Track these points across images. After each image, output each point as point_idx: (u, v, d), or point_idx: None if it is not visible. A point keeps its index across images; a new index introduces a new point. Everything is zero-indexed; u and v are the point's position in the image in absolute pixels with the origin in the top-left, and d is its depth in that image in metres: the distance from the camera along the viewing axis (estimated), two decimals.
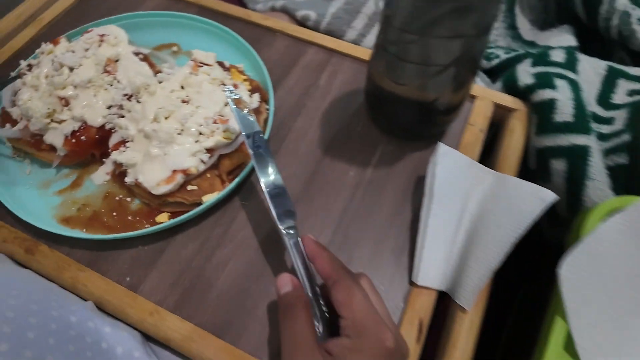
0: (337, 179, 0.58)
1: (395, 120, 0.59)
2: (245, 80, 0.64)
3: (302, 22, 0.89)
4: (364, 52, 0.69)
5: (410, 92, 0.52)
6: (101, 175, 0.58)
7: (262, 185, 0.47)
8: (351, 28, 0.88)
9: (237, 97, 0.53)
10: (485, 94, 0.65)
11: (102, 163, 0.59)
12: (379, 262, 0.52)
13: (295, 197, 0.57)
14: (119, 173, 0.56)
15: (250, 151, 0.49)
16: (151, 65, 0.64)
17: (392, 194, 0.57)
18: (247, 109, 0.53)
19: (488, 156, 0.63)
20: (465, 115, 0.62)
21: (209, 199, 0.53)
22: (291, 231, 0.45)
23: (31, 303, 0.43)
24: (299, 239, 0.44)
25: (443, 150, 0.53)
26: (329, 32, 0.83)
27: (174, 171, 0.53)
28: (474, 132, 0.61)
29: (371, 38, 0.88)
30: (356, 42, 0.83)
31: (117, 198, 0.56)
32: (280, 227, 0.45)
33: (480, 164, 0.55)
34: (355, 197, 0.57)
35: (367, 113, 0.64)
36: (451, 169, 0.52)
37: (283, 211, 0.46)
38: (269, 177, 0.48)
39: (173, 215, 0.55)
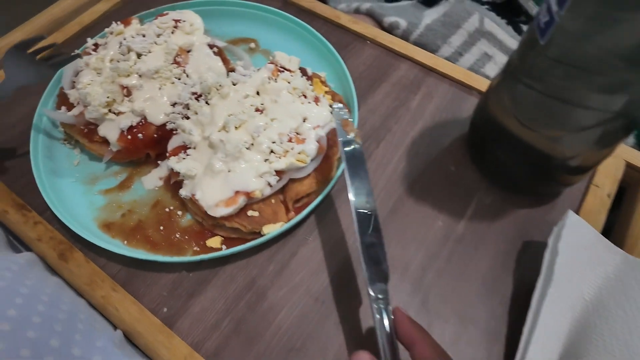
0: (421, 226, 0.48)
1: (506, 169, 0.48)
2: (327, 92, 0.55)
3: (388, 30, 0.80)
4: (467, 75, 0.59)
5: (539, 141, 0.41)
6: (153, 179, 0.51)
7: (357, 234, 0.38)
8: (447, 44, 0.77)
9: (345, 117, 0.44)
10: (617, 150, 0.52)
11: (156, 165, 0.52)
12: (465, 347, 0.42)
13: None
14: (174, 182, 0.48)
15: (352, 198, 0.40)
16: (224, 61, 0.57)
17: (488, 259, 0.46)
18: (354, 133, 0.44)
19: (610, 229, 0.51)
20: (590, 174, 0.51)
21: (270, 230, 0.45)
22: (381, 297, 0.36)
23: (55, 322, 0.36)
24: (389, 308, 0.35)
25: (572, 220, 0.42)
26: (419, 45, 0.73)
27: (237, 192, 0.45)
28: (599, 196, 0.49)
29: (469, 58, 0.77)
30: (450, 59, 0.73)
31: (167, 209, 0.49)
32: (371, 291, 0.36)
33: (607, 241, 0.44)
34: (440, 254, 0.47)
35: (467, 150, 0.53)
36: (577, 245, 0.41)
37: (376, 270, 0.37)
38: (368, 229, 0.39)
39: (226, 240, 0.47)
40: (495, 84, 0.46)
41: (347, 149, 0.43)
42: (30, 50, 0.51)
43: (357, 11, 0.91)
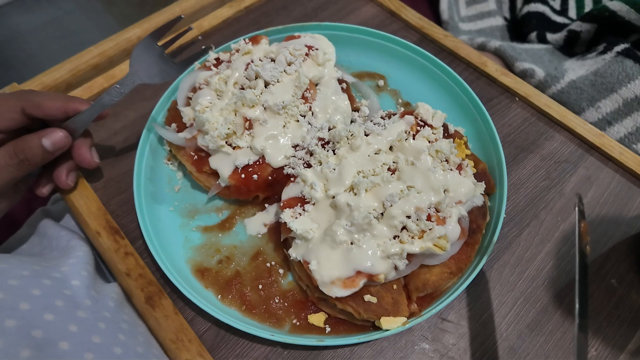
0: (568, 353, 0.39)
1: None
2: (467, 156, 0.46)
3: (520, 77, 0.69)
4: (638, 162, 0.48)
5: None
6: (257, 224, 0.45)
7: None
8: (594, 108, 0.66)
9: (584, 219, 0.35)
10: None
11: (263, 208, 0.46)
12: None
13: (495, 359, 0.39)
14: (284, 239, 0.42)
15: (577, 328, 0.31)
16: (350, 99, 0.50)
17: None
18: (587, 245, 0.34)
19: None
20: None
21: (389, 325, 0.37)
22: None
23: None
24: None
25: None
26: (557, 101, 0.62)
27: (358, 272, 0.37)
28: None
29: (618, 129, 0.65)
30: (595, 126, 0.62)
31: (268, 264, 0.43)
32: None
33: None
34: None
35: (634, 263, 0.43)
36: None
37: None
38: None
39: (330, 319, 0.40)
40: None
41: (580, 260, 0.34)
42: (161, 42, 0.46)
43: (481, 48, 0.82)
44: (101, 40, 0.59)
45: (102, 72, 0.58)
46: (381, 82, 0.55)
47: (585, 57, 0.73)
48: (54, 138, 0.41)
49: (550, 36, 0.80)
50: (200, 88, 0.48)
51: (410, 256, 0.38)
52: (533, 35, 0.81)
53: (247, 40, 0.51)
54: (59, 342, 0.29)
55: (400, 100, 0.54)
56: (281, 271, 0.43)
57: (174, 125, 0.48)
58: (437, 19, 0.84)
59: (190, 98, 0.49)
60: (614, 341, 0.39)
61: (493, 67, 0.56)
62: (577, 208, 0.34)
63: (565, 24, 0.80)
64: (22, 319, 0.29)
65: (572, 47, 0.79)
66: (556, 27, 0.81)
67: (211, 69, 0.50)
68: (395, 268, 0.38)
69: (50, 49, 1.80)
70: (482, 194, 0.44)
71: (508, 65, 0.76)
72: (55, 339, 0.29)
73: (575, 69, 0.70)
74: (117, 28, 0.61)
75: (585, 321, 0.31)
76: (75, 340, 0.30)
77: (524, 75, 0.73)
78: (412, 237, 0.38)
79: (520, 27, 0.85)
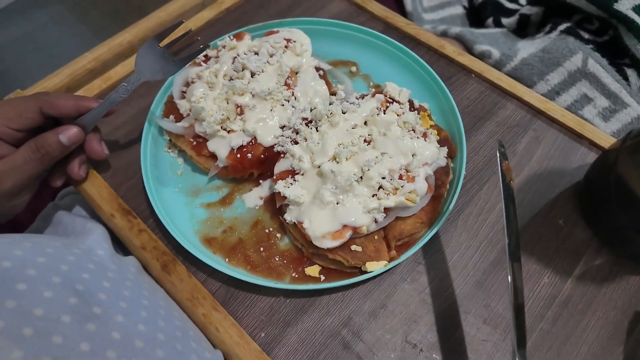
0: (526, 282, 0.46)
1: (625, 233, 0.45)
2: (431, 126, 0.54)
3: (478, 57, 0.77)
4: (580, 123, 0.56)
5: None
6: (254, 198, 0.51)
7: (511, 290, 0.37)
8: (544, 81, 0.74)
9: (506, 160, 0.43)
10: None
11: (258, 184, 0.52)
12: None
13: (465, 292, 0.46)
14: (279, 206, 0.48)
15: (509, 249, 0.39)
16: (327, 84, 0.57)
17: (597, 328, 0.44)
18: (512, 180, 0.42)
19: None
20: None
21: (374, 268, 0.44)
22: None
23: (177, 342, 0.37)
24: None
25: None
26: (512, 78, 0.70)
27: (344, 226, 0.44)
28: None
29: (566, 98, 0.73)
30: (545, 97, 0.70)
31: (266, 230, 0.49)
32: (518, 358, 0.35)
33: None
34: (547, 315, 0.45)
35: (577, 205, 0.51)
36: None
37: (520, 335, 0.35)
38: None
39: (324, 270, 0.47)
40: (632, 143, 0.43)
41: (505, 194, 0.41)
42: (163, 44, 0.52)
43: (444, 34, 0.89)
44: (81, 50, 0.64)
45: (97, 75, 0.63)
46: (354, 69, 0.62)
47: (535, 37, 0.81)
48: (69, 134, 0.46)
49: (504, 20, 0.88)
50: (193, 82, 0.54)
51: (387, 210, 0.45)
52: (490, 20, 0.89)
53: (231, 37, 0.57)
54: (97, 294, 0.35)
55: (371, 83, 0.61)
56: (278, 235, 0.49)
57: (171, 116, 0.54)
58: (402, 10, 0.91)
59: (184, 91, 0.54)
60: (562, 269, 0.47)
61: (450, 49, 0.63)
62: (498, 152, 0.42)
63: (517, 9, 0.89)
64: (64, 277, 0.34)
65: (525, 29, 0.88)
66: (509, 12, 0.90)
67: (201, 65, 0.56)
68: (375, 221, 0.45)
69: (26, 64, 1.80)
70: (446, 157, 0.51)
71: (468, 48, 0.84)
72: (94, 290, 0.35)
73: (527, 48, 0.78)
74: (92, 39, 0.66)
75: (517, 249, 0.38)
76: (110, 293, 0.36)
77: (482, 56, 0.80)
78: (387, 194, 0.45)
79: (478, 14, 0.93)
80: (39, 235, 0.42)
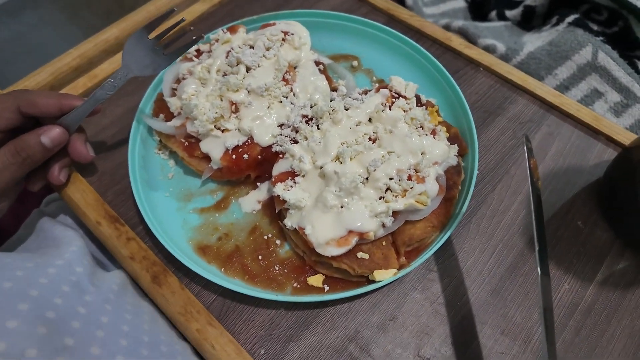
0: None
1: None
2: (440, 123, 0.50)
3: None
4: (596, 119, 0.53)
5: None
6: (251, 202, 0.48)
7: (541, 297, 0.34)
8: (552, 75, 0.71)
9: (534, 158, 0.39)
10: None
11: (255, 187, 0.49)
12: None
13: (481, 301, 0.42)
14: (278, 211, 0.45)
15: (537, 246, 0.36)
16: (327, 80, 0.53)
17: (624, 338, 0.41)
18: (539, 180, 0.38)
19: None
20: None
21: (382, 277, 0.41)
22: None
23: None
24: None
25: None
26: None
27: (350, 232, 0.41)
28: None
29: (575, 93, 0.70)
30: None
31: (265, 237, 0.46)
32: None
33: None
34: (569, 325, 0.41)
35: (597, 205, 0.47)
36: None
37: (550, 343, 0.32)
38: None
39: (328, 279, 0.43)
40: None
41: (534, 194, 0.38)
42: (153, 35, 0.48)
43: (446, 28, 0.86)
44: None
45: (83, 73, 0.59)
46: (355, 63, 0.59)
47: (541, 30, 0.78)
48: (51, 135, 0.43)
49: (508, 13, 0.85)
50: (184, 78, 0.50)
51: (395, 213, 0.42)
52: (493, 13, 0.86)
53: (225, 30, 0.53)
54: (71, 322, 0.31)
55: (374, 78, 0.58)
56: (278, 242, 0.46)
57: (161, 115, 0.50)
58: (402, 4, 0.88)
59: (175, 89, 0.51)
60: (583, 275, 0.44)
61: (457, 41, 0.60)
62: (525, 147, 0.39)
63: (521, 0, 0.86)
64: (34, 303, 0.31)
65: (529, 21, 0.85)
66: (513, 4, 0.86)
67: (193, 60, 0.52)
68: (383, 225, 0.42)
69: (17, 66, 1.76)
70: (456, 155, 0.48)
71: (471, 42, 0.80)
72: (67, 318, 0.31)
73: (533, 41, 0.75)
74: (84, 39, 0.62)
75: (546, 264, 0.35)
76: (86, 320, 0.32)
77: (487, 50, 0.77)
78: (396, 196, 0.42)
79: (481, 6, 0.89)
80: (10, 254, 0.38)
